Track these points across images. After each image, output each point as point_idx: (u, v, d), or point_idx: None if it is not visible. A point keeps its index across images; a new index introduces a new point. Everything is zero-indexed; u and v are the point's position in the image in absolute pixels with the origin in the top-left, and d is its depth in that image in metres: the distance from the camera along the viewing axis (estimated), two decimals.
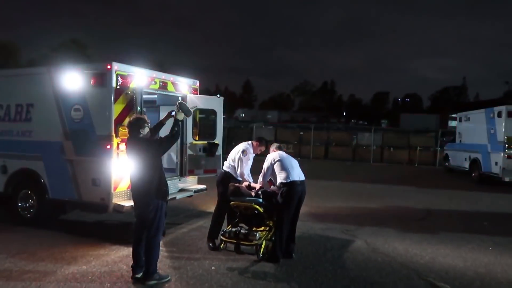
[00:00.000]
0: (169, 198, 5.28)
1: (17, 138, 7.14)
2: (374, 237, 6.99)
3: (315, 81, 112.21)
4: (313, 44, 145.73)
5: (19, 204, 7.11)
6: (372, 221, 8.27)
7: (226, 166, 6.39)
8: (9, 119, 7.22)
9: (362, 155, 22.64)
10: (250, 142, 6.57)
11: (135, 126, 4.87)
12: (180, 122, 5.13)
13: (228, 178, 6.20)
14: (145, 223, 4.77)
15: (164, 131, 5.42)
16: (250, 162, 6.32)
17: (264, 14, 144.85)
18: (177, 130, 4.98)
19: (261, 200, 5.66)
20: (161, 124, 5.47)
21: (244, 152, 6.18)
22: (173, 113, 5.29)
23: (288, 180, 5.58)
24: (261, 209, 5.64)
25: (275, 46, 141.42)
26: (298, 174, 5.71)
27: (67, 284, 4.67)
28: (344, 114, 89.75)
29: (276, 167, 5.71)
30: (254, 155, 6.41)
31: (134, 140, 4.85)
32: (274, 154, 5.92)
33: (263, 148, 6.54)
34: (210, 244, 5.93)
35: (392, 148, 22.64)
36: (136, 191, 4.83)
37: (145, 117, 5.06)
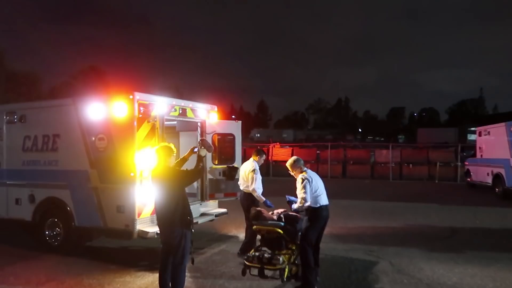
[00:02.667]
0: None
1: (44, 167, 7.38)
2: (398, 257, 6.89)
3: (329, 98, 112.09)
4: (326, 62, 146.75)
5: (47, 232, 7.30)
6: (396, 240, 8.16)
7: (241, 185, 7.05)
8: (36, 149, 7.49)
9: (380, 172, 22.37)
10: (252, 159, 7.11)
11: (162, 154, 5.00)
12: (203, 158, 5.27)
13: (248, 195, 6.84)
14: (171, 250, 4.84)
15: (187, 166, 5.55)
16: (259, 177, 6.91)
17: (275, 34, 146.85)
18: (202, 166, 5.17)
19: (283, 224, 5.68)
20: (184, 160, 5.55)
21: (255, 171, 6.83)
22: (196, 149, 5.48)
23: (318, 205, 5.56)
24: (283, 233, 5.65)
25: (288, 65, 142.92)
26: (325, 199, 5.69)
27: None
28: (360, 130, 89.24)
29: (307, 188, 5.54)
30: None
31: (159, 168, 4.98)
32: (305, 175, 5.65)
33: (264, 157, 7.32)
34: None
35: (411, 165, 22.32)
36: (161, 219, 4.93)
37: (172, 146, 5.18)
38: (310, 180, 5.51)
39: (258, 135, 77.98)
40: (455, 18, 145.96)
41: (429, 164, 21.64)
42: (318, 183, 5.63)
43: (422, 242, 8.04)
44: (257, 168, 6.97)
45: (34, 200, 7.45)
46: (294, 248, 5.87)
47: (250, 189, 6.77)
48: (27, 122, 7.68)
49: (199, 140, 5.59)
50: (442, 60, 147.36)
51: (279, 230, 5.61)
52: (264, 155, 7.34)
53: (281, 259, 5.48)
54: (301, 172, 5.67)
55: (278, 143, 26.72)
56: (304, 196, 5.41)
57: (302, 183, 5.49)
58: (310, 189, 5.46)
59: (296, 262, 5.82)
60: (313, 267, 5.49)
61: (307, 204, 5.45)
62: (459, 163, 20.60)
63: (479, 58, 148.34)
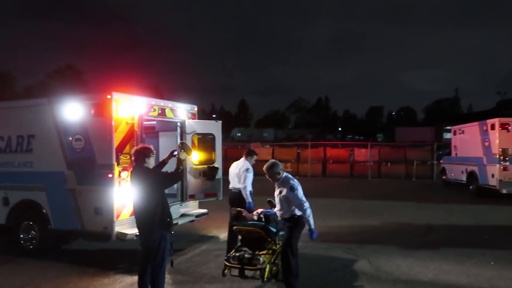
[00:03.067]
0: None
1: (18, 169, 7.20)
2: (376, 255, 7.02)
3: (310, 97, 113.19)
4: (306, 61, 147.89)
5: (21, 236, 7.11)
6: (374, 238, 8.31)
7: (231, 184, 7.02)
8: (10, 151, 7.29)
9: (359, 171, 22.72)
10: (244, 159, 7.11)
11: (141, 155, 4.92)
12: (183, 161, 5.25)
13: (238, 194, 6.85)
14: (151, 253, 4.79)
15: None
16: (251, 176, 6.93)
17: (255, 32, 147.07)
18: (182, 169, 5.14)
19: (263, 224, 5.70)
20: (163, 163, 5.49)
21: (248, 170, 6.89)
22: (176, 152, 5.42)
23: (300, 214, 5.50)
24: (263, 233, 5.68)
25: (268, 64, 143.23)
26: None
27: None
28: (340, 129, 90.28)
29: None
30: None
31: (138, 170, 4.91)
32: (292, 182, 5.49)
33: (255, 158, 7.27)
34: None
35: (389, 163, 22.75)
36: (140, 221, 4.87)
37: (151, 147, 5.10)
38: (297, 187, 5.44)
39: (239, 134, 77.94)
40: (433, 19, 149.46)
41: (406, 163, 22.09)
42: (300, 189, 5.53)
43: (400, 239, 8.21)
44: (251, 167, 7.01)
45: (8, 203, 7.25)
46: (274, 248, 5.90)
47: (241, 186, 6.79)
48: (1, 123, 7.46)
49: (179, 143, 5.52)
50: (420, 60, 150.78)
51: (259, 230, 5.63)
52: (255, 156, 7.29)
53: (261, 259, 5.49)
54: (278, 176, 5.54)
55: (259, 143, 26.79)
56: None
57: (292, 191, 5.35)
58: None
59: (276, 262, 5.84)
60: (296, 275, 5.50)
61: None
62: (435, 162, 21.12)
63: (455, 58, 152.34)
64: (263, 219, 5.75)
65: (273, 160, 5.71)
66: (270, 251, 5.80)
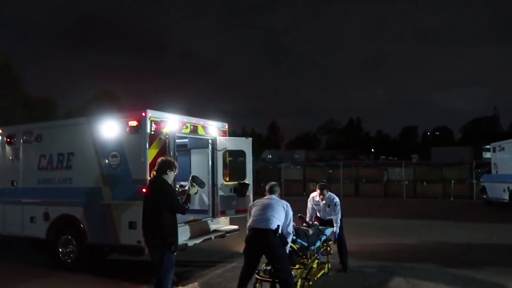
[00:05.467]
0: (177, 249, 5.09)
1: (58, 185, 7.52)
2: (413, 273, 6.75)
3: (341, 118, 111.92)
4: (336, 82, 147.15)
5: (60, 250, 7.36)
6: (410, 257, 8.00)
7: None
8: (51, 168, 7.65)
9: (394, 191, 22.09)
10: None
11: (164, 166, 4.95)
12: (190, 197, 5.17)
13: None
14: (156, 268, 4.79)
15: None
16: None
17: (284, 55, 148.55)
18: (188, 207, 5.00)
19: (294, 237, 5.65)
20: (188, 196, 5.21)
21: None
22: (187, 187, 5.41)
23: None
24: (295, 247, 5.62)
25: (297, 86, 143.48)
26: None
27: None
28: (373, 150, 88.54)
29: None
30: None
31: (156, 180, 4.95)
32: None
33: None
34: None
35: (425, 183, 22.01)
36: (145, 232, 4.90)
37: (176, 163, 5.13)
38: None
39: (270, 156, 77.86)
40: (467, 37, 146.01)
41: (443, 182, 21.30)
42: None
43: (438, 258, 7.87)
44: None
45: (48, 218, 7.55)
46: (306, 262, 5.81)
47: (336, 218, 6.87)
48: (43, 141, 7.87)
49: (190, 177, 5.52)
50: (454, 79, 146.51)
51: (292, 244, 5.58)
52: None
53: (293, 273, 5.42)
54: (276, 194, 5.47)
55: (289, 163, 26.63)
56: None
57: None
58: None
59: (308, 277, 5.75)
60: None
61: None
62: (474, 181, 20.25)
63: (492, 75, 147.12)
64: (294, 233, 5.70)
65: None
66: (302, 266, 5.73)
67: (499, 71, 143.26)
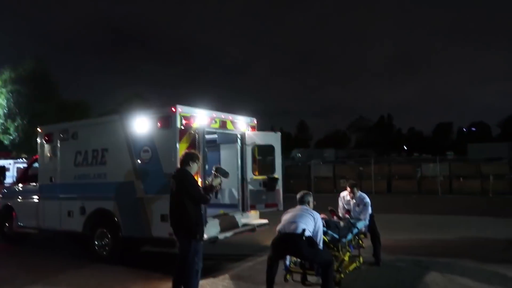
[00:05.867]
0: (204, 238, 5.29)
1: (93, 180, 7.77)
2: (449, 268, 6.52)
3: (371, 116, 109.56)
4: (365, 79, 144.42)
5: (96, 243, 7.60)
6: (446, 252, 7.74)
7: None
8: (86, 164, 7.92)
9: (428, 187, 21.40)
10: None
11: (187, 157, 5.15)
12: (215, 188, 5.35)
13: None
14: (180, 256, 4.94)
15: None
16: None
17: (312, 54, 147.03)
18: (209, 198, 5.17)
19: (325, 229, 5.59)
20: (211, 187, 5.42)
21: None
22: (210, 178, 5.52)
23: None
24: (326, 239, 5.56)
25: (327, 85, 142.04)
26: None
27: None
28: (405, 148, 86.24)
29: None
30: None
31: (180, 171, 5.12)
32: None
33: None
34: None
35: (461, 178, 21.21)
36: (171, 222, 5.06)
37: (199, 155, 5.33)
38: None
39: (299, 155, 77.34)
40: (501, 31, 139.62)
41: (481, 178, 20.46)
42: None
43: (476, 254, 7.56)
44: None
45: (84, 212, 7.82)
46: (337, 254, 5.74)
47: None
48: (79, 139, 8.17)
49: (213, 168, 5.62)
50: (490, 74, 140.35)
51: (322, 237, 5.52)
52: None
53: None
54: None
55: (319, 160, 26.39)
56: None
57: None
58: None
59: (339, 269, 5.68)
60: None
61: None
62: None
63: None
64: (325, 225, 5.64)
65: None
66: (333, 258, 5.66)
67: None
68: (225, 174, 5.60)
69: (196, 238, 4.89)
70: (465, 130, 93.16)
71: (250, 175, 8.11)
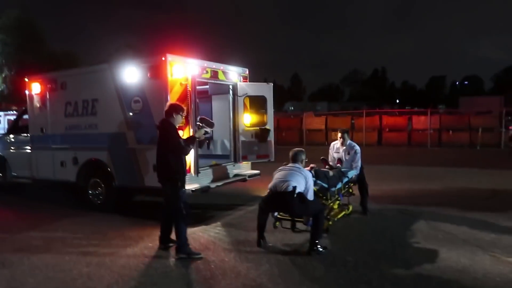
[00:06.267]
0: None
1: (85, 131, 7.73)
2: (434, 216, 6.78)
3: (365, 69, 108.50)
4: (361, 32, 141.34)
5: (90, 192, 7.73)
6: (432, 201, 8.01)
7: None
8: (77, 115, 7.84)
9: (418, 140, 21.72)
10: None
11: (171, 109, 5.23)
12: (197, 139, 5.58)
13: None
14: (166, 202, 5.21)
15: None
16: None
17: (307, 5, 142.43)
18: (189, 149, 5.32)
19: (314, 179, 5.71)
20: (193, 138, 5.69)
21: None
22: (194, 130, 5.66)
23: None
24: (315, 188, 5.69)
25: (321, 37, 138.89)
26: None
27: (136, 259, 5.06)
28: (398, 101, 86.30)
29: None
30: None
31: (164, 122, 5.20)
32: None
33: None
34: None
35: (451, 131, 21.48)
36: (157, 168, 5.25)
37: (184, 107, 5.40)
38: None
39: (292, 108, 77.30)
40: None
41: (470, 131, 20.73)
42: None
43: (460, 203, 7.84)
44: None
45: (77, 162, 7.87)
46: (325, 203, 5.91)
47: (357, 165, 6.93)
48: (68, 89, 8.02)
49: (198, 118, 5.67)
50: (486, 27, 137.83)
51: None
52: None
53: None
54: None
55: (311, 112, 26.45)
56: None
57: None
58: None
59: (328, 217, 5.87)
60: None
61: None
62: (503, 129, 19.62)
63: None
64: (313, 174, 5.75)
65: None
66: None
67: None
68: (209, 124, 5.66)
69: (178, 185, 5.10)
70: (457, 83, 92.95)
71: (242, 126, 8.12)
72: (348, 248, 5.25)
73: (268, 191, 5.29)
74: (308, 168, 5.92)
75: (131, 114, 7.03)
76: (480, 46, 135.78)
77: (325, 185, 5.88)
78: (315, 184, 5.70)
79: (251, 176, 8.27)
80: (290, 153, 5.50)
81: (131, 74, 6.98)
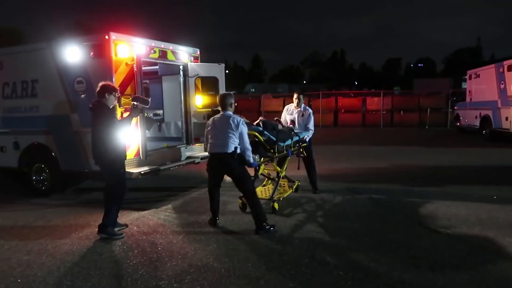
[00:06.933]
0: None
1: (25, 114, 7.34)
2: (379, 193, 7.07)
3: (325, 51, 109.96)
4: (321, 14, 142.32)
5: (34, 178, 7.40)
6: (378, 179, 8.35)
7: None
8: (16, 96, 7.41)
9: (372, 120, 22.46)
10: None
11: (103, 90, 5.10)
12: (132, 119, 5.38)
13: None
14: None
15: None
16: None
17: None
18: (126, 129, 5.21)
19: (261, 129, 5.76)
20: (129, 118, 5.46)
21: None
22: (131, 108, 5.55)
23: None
24: (262, 138, 5.70)
25: (282, 18, 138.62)
26: None
27: (80, 244, 4.93)
28: (356, 83, 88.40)
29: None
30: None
31: (96, 104, 5.09)
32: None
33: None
34: None
35: (402, 112, 22.37)
36: (92, 152, 5.17)
37: (116, 87, 5.28)
38: None
39: (253, 90, 77.17)
40: None
41: (420, 111, 21.68)
42: None
43: (405, 179, 8.23)
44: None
45: (18, 147, 7.48)
46: (273, 156, 6.02)
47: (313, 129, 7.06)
48: (4, 69, 7.54)
49: (131, 97, 5.57)
50: (440, 9, 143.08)
51: (257, 134, 5.68)
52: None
53: (257, 157, 5.68)
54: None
55: (269, 94, 26.55)
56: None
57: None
58: None
59: (272, 197, 5.96)
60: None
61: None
62: (450, 109, 20.66)
63: (478, 5, 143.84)
64: (261, 125, 5.80)
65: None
66: (268, 158, 5.97)
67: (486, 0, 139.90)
68: (144, 102, 5.59)
69: (117, 168, 5.06)
70: (412, 66, 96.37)
71: (193, 108, 8.02)
72: (295, 226, 5.38)
73: (208, 155, 5.36)
74: (258, 121, 5.96)
75: (74, 95, 6.73)
76: (434, 28, 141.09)
77: (273, 138, 5.86)
78: (262, 134, 5.71)
79: (203, 158, 8.17)
80: (218, 98, 5.42)
81: (73, 53, 6.67)
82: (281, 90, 77.12)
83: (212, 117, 5.40)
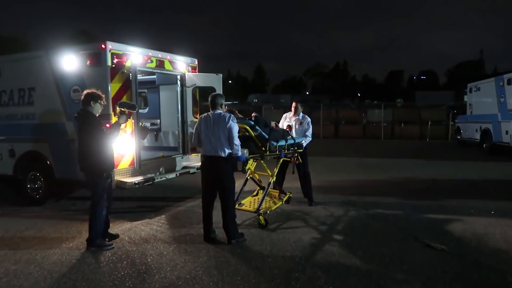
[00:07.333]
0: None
1: (22, 121, 7.34)
2: (375, 206, 7.00)
3: (328, 62, 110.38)
4: (324, 25, 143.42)
5: (28, 186, 7.36)
6: (375, 192, 8.27)
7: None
8: (13, 104, 7.42)
9: (373, 132, 22.42)
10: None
11: (88, 97, 5.04)
12: (120, 125, 5.36)
13: None
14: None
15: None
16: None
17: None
18: (113, 137, 5.20)
19: (252, 123, 5.70)
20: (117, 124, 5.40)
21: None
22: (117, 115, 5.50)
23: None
24: (253, 133, 5.63)
25: (286, 30, 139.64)
26: None
27: (70, 254, 4.88)
28: (359, 94, 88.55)
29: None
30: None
31: (81, 112, 5.05)
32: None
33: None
34: None
35: (403, 124, 22.33)
36: (78, 160, 5.12)
37: (102, 95, 5.18)
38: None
39: (256, 100, 77.32)
40: None
41: (421, 123, 21.63)
42: None
43: (401, 192, 8.16)
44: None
45: (14, 155, 7.46)
46: (264, 154, 5.92)
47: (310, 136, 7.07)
48: (2, 76, 7.57)
49: (117, 103, 5.53)
50: (443, 21, 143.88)
51: (247, 127, 5.62)
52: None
53: (246, 151, 5.59)
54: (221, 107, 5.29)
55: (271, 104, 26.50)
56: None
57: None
58: None
59: (260, 209, 5.87)
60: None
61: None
62: (451, 122, 20.60)
63: (480, 18, 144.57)
64: (253, 120, 5.75)
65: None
66: (258, 155, 5.89)
67: (488, 14, 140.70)
68: (131, 107, 5.56)
69: (103, 176, 5.02)
70: (414, 78, 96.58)
71: (190, 117, 8.00)
72: (287, 239, 5.31)
73: (201, 157, 5.32)
74: (251, 116, 5.97)
75: (70, 103, 6.72)
76: (436, 41, 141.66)
77: (265, 135, 5.80)
78: (253, 128, 5.63)
79: (199, 168, 8.15)
80: (209, 98, 5.32)
81: (69, 61, 6.67)
82: (284, 100, 77.24)
83: (202, 115, 5.33)
